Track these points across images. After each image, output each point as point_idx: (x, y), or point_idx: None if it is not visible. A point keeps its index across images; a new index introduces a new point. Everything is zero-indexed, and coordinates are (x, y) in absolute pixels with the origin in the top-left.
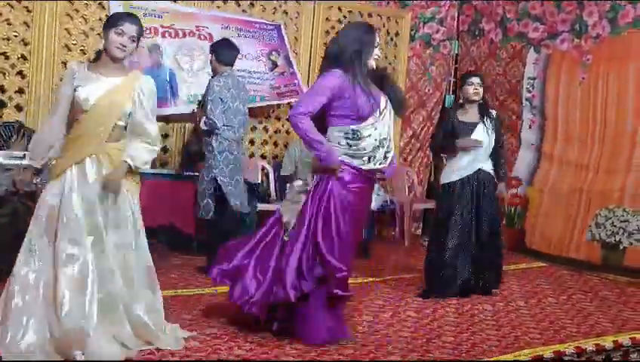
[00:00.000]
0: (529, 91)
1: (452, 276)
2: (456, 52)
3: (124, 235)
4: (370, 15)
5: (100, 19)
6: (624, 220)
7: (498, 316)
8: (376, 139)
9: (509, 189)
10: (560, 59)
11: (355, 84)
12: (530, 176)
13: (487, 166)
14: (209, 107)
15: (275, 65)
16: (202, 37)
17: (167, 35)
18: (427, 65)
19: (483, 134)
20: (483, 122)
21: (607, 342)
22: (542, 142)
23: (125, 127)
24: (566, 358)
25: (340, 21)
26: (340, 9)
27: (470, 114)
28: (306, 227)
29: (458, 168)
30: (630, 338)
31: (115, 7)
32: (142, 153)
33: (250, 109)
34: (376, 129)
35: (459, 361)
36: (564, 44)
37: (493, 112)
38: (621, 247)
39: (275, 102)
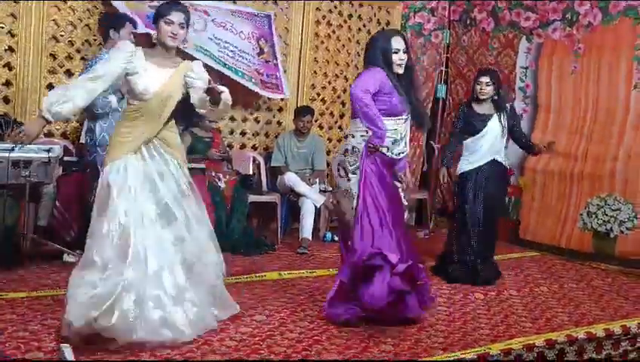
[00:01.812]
0: (522, 80)
1: (465, 265)
2: (447, 42)
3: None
4: (361, 5)
5: (88, 10)
6: (615, 209)
7: (490, 305)
8: (396, 136)
9: None
10: (552, 48)
11: (393, 84)
12: (521, 165)
13: (500, 156)
14: None
15: (262, 51)
16: (199, 10)
17: None
18: (418, 55)
19: (497, 125)
20: (498, 114)
21: (599, 331)
22: (532, 131)
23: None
24: (557, 346)
25: (330, 11)
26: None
27: (485, 106)
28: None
29: (473, 160)
30: (621, 326)
31: (118, 4)
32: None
33: (244, 96)
34: (399, 127)
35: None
36: (555, 33)
37: (507, 106)
38: (612, 236)
39: (259, 91)
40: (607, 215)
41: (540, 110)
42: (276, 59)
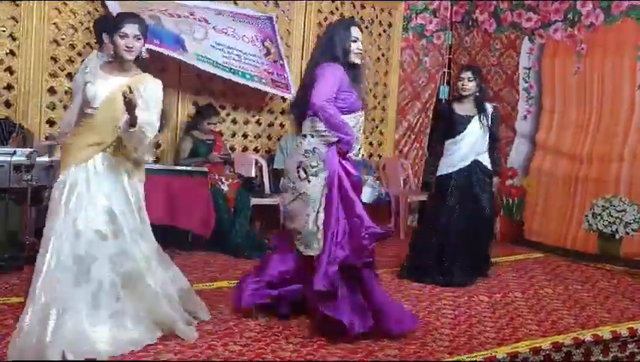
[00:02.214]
0: (525, 81)
1: (434, 264)
2: (449, 43)
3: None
4: (363, 7)
5: (89, 13)
6: (621, 210)
7: (495, 307)
8: (356, 132)
9: (507, 180)
10: (554, 49)
11: (350, 79)
12: (525, 166)
13: (483, 157)
14: None
15: (269, 52)
16: (198, 19)
17: (163, 14)
18: (421, 56)
19: (478, 126)
20: (479, 115)
21: (605, 333)
22: (537, 132)
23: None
24: (564, 349)
25: (332, 13)
26: (332, 0)
27: (466, 106)
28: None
29: (452, 163)
30: (628, 328)
31: (112, 6)
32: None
33: (246, 98)
34: (359, 124)
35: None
36: (557, 34)
37: (489, 107)
38: (617, 237)
39: (270, 90)
40: (612, 216)
41: (544, 111)
42: (282, 59)
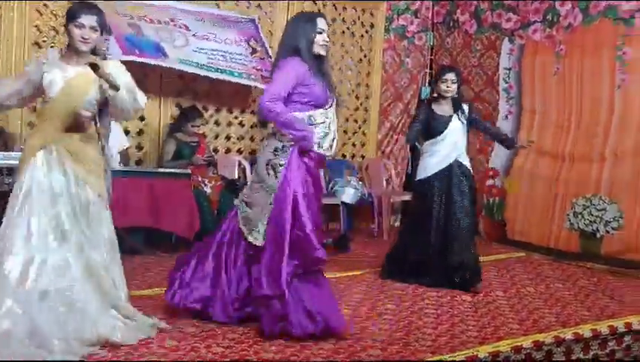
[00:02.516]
0: (506, 82)
1: (418, 266)
2: (431, 44)
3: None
4: (344, 8)
5: None
6: (601, 209)
7: (477, 307)
8: (326, 127)
9: (487, 180)
10: (534, 50)
11: (312, 72)
12: (507, 166)
13: (463, 158)
14: None
15: (254, 50)
16: (178, 26)
17: (143, 19)
18: (402, 57)
19: (458, 124)
20: (457, 115)
21: (586, 331)
22: (518, 132)
23: (93, 118)
24: (545, 347)
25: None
26: (314, 1)
27: (445, 107)
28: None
29: (431, 164)
30: (608, 326)
31: None
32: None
33: (229, 99)
34: (327, 118)
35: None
36: (536, 34)
37: (465, 106)
38: (598, 236)
39: (261, 86)
40: (592, 215)
41: (525, 111)
42: (270, 56)
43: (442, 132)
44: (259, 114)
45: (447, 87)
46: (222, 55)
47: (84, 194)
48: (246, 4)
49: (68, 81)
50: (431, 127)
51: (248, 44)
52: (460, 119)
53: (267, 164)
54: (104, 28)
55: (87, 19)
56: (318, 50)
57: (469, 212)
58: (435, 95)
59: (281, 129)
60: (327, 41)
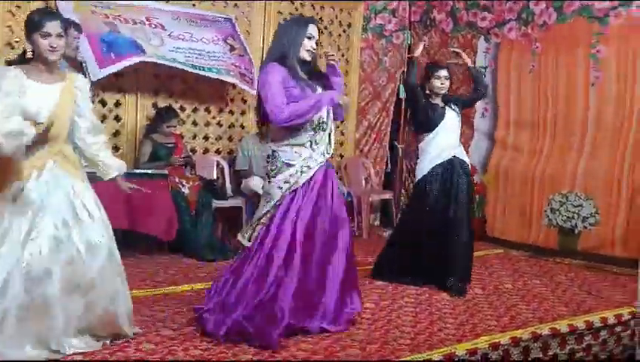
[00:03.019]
0: None
1: (411, 265)
2: (408, 43)
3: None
4: (322, 8)
5: None
6: (577, 205)
7: (455, 304)
8: (317, 137)
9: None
10: (509, 48)
11: (292, 75)
12: (484, 163)
13: (459, 152)
14: None
15: (233, 48)
16: (154, 25)
17: (118, 20)
18: (380, 56)
19: (453, 113)
20: (449, 106)
21: (563, 326)
22: (495, 129)
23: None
24: (522, 344)
25: (291, 14)
26: (292, 1)
27: (436, 101)
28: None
29: (429, 159)
30: (584, 321)
31: (64, 6)
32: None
33: (206, 99)
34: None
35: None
36: (511, 33)
37: (452, 100)
38: (576, 232)
39: (239, 83)
40: (569, 211)
41: (501, 109)
42: (248, 54)
43: (438, 124)
44: (284, 128)
45: (442, 83)
46: (199, 53)
47: (82, 199)
48: (223, 3)
49: (56, 106)
50: (429, 118)
51: (226, 42)
52: (453, 109)
53: (266, 173)
54: (67, 30)
55: (53, 27)
56: (304, 55)
57: (468, 212)
58: (427, 92)
59: (309, 118)
60: (314, 48)
